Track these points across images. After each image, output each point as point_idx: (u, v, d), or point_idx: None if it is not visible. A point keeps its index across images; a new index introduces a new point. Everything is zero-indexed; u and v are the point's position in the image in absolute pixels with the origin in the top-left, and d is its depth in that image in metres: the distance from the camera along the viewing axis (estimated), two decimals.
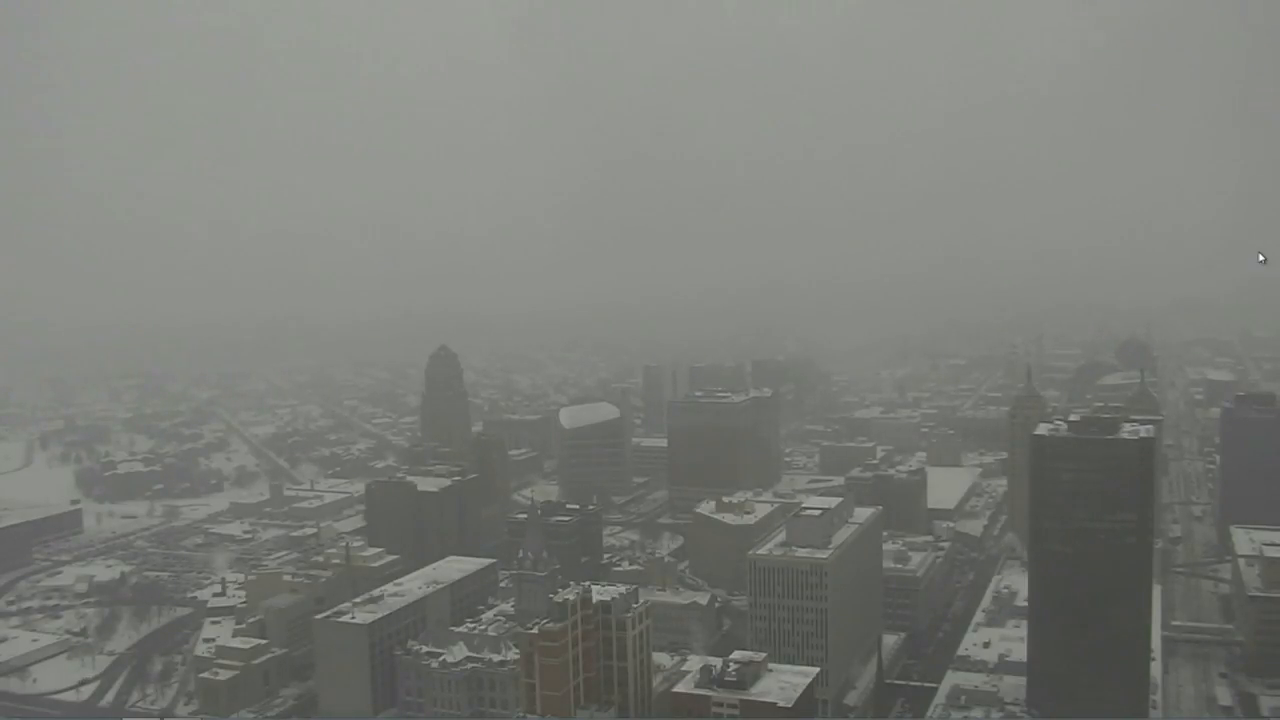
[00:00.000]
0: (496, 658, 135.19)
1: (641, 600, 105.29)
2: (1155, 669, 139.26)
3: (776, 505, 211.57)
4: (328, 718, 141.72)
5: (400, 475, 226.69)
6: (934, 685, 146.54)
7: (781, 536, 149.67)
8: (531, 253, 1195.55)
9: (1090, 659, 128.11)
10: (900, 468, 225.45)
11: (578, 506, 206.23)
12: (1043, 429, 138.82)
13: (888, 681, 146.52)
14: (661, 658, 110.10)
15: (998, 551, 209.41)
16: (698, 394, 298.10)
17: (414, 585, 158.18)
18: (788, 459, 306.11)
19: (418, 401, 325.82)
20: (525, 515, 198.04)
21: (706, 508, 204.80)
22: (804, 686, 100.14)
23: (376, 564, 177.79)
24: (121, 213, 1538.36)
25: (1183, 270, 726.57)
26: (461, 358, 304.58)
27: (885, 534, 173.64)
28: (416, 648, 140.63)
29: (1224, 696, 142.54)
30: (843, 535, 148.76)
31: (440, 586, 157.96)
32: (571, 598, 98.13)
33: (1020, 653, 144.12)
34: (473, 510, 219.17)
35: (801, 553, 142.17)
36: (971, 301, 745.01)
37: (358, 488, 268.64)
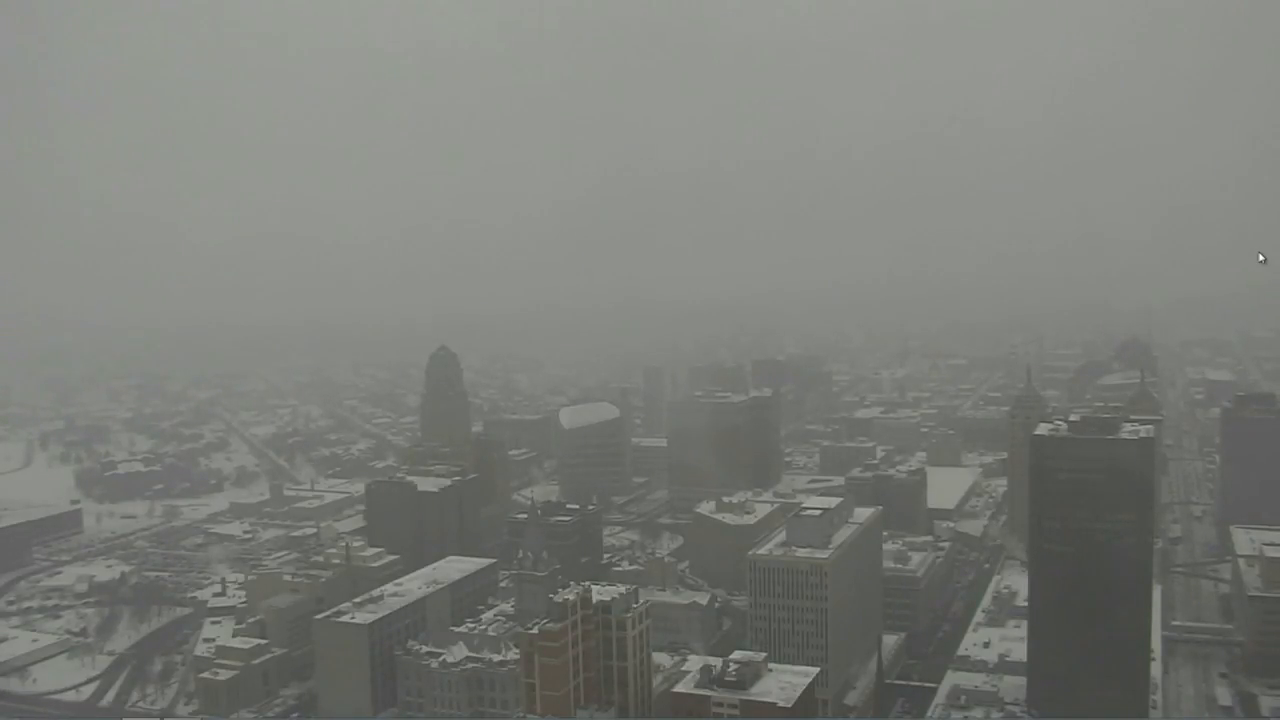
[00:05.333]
0: (496, 658, 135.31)
1: (641, 600, 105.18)
2: (1155, 669, 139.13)
3: (776, 505, 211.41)
4: (328, 718, 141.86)
5: (400, 475, 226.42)
6: (934, 685, 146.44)
7: (781, 536, 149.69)
8: (532, 253, 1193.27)
9: (1090, 659, 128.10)
10: (900, 468, 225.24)
11: (578, 506, 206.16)
12: (1043, 429, 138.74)
13: (888, 681, 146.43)
14: (661, 658, 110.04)
15: (998, 551, 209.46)
16: (698, 394, 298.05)
17: (414, 585, 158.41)
18: (788, 459, 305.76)
19: (418, 401, 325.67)
20: (525, 515, 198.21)
21: (706, 508, 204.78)
22: (804, 686, 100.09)
23: (376, 564, 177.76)
24: (122, 213, 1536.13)
25: (1183, 270, 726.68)
26: (461, 358, 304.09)
27: (885, 534, 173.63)
28: (416, 648, 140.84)
29: (1224, 696, 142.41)
30: (843, 535, 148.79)
31: (440, 586, 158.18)
32: (571, 598, 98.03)
33: (1020, 653, 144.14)
34: (473, 510, 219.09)
35: (801, 553, 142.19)
36: (971, 301, 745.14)
37: (358, 488, 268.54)
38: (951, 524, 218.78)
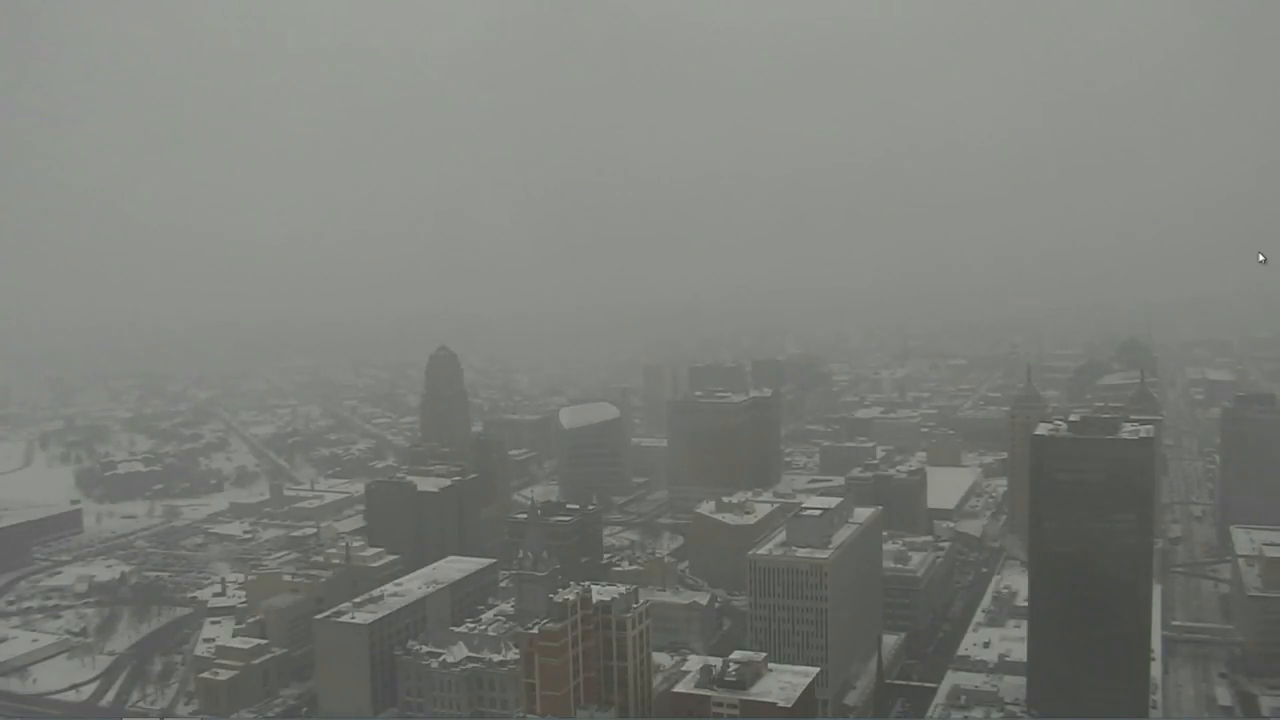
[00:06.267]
0: (496, 658, 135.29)
1: (641, 600, 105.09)
2: (1155, 669, 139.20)
3: (776, 505, 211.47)
4: (328, 718, 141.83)
5: (400, 475, 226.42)
6: (934, 685, 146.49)
7: (781, 536, 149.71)
8: (532, 253, 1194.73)
9: (1090, 659, 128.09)
10: (900, 468, 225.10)
11: (578, 506, 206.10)
12: (1043, 429, 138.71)
13: (888, 681, 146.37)
14: (661, 658, 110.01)
15: (997, 552, 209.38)
16: (698, 394, 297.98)
17: (414, 585, 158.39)
18: (788, 459, 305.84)
19: (418, 401, 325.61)
20: (525, 515, 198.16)
21: (706, 508, 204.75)
22: (804, 686, 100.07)
23: (376, 564, 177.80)
24: (122, 213, 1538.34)
25: (1183, 270, 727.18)
26: (461, 358, 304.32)
27: (885, 534, 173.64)
28: (416, 648, 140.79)
29: (1224, 696, 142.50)
30: (843, 535, 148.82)
31: (440, 586, 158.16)
32: (571, 598, 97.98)
33: (1020, 653, 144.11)
34: (473, 510, 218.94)
35: (801, 553, 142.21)
36: (971, 301, 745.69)
37: (358, 488, 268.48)
38: (951, 524, 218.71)
